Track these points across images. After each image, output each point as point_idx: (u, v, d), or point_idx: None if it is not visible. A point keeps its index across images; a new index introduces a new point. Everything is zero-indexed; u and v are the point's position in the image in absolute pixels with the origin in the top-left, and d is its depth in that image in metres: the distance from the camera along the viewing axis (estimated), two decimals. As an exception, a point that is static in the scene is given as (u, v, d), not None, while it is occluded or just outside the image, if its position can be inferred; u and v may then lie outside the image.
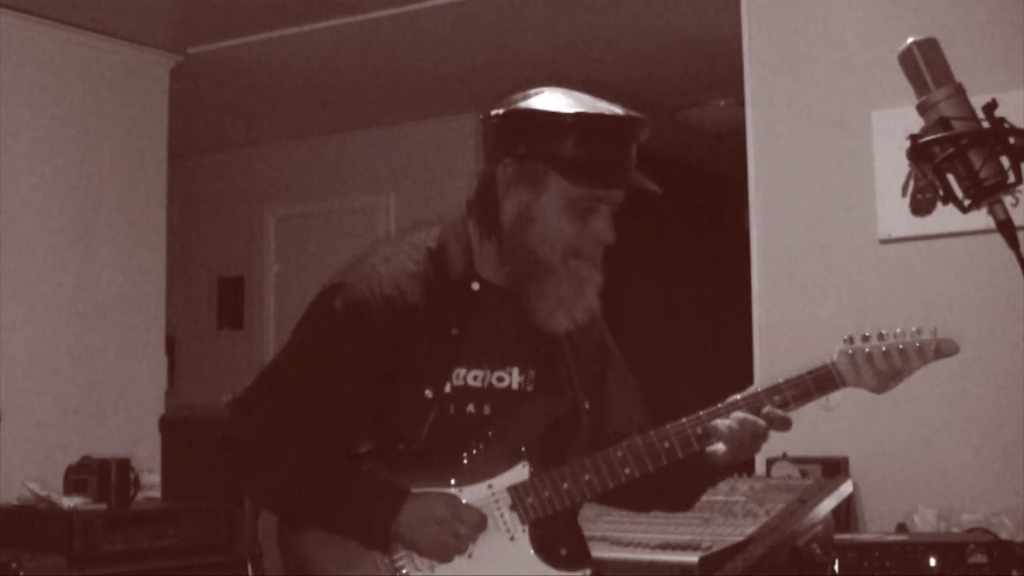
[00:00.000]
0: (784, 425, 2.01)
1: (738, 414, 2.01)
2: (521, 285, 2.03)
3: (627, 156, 2.01)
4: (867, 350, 2.02)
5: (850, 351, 2.03)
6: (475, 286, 2.06)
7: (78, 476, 4.09)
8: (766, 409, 2.01)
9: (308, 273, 6.56)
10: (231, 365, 6.96)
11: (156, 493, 4.34)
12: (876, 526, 3.47)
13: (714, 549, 2.70)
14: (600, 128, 1.99)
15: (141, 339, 5.10)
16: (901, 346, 2.01)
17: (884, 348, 2.01)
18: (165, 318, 5.27)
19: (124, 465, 4.09)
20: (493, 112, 2.05)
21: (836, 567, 2.87)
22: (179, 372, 6.73)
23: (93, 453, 4.20)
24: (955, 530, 3.22)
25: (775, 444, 3.67)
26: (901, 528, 3.33)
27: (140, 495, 4.18)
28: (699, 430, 2.01)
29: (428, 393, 2.01)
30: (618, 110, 2.02)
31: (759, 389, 2.04)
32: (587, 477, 2.01)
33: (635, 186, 2.01)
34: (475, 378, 2.05)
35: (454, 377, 2.03)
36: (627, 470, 2.01)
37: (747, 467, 3.50)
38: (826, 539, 2.91)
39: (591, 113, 1.99)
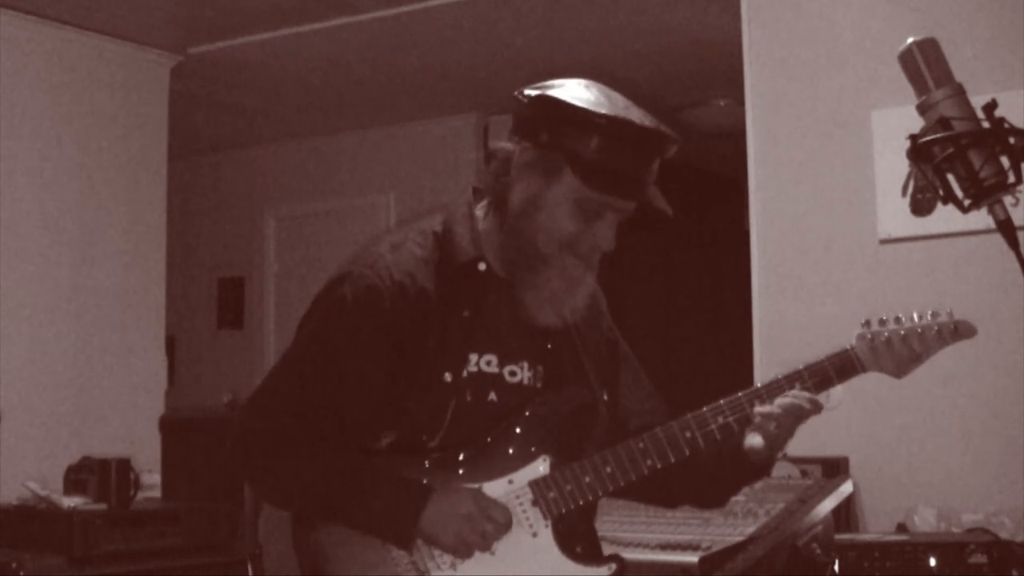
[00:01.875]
0: (815, 407, 2.00)
1: (781, 399, 1.99)
2: (515, 273, 2.02)
3: (647, 170, 1.98)
4: (886, 334, 2.01)
5: (868, 335, 2.02)
6: (481, 266, 2.05)
7: (78, 476, 4.09)
8: (793, 392, 2.00)
9: (308, 273, 6.56)
10: (231, 365, 6.96)
11: (156, 493, 4.34)
12: (876, 526, 3.47)
13: (714, 549, 2.70)
14: (626, 137, 1.95)
15: (141, 339, 5.10)
16: (920, 329, 2.00)
17: (903, 332, 2.00)
18: (165, 318, 5.26)
19: (124, 465, 4.08)
20: (525, 92, 2.02)
21: (836, 567, 2.87)
22: (179, 372, 6.73)
23: (93, 453, 4.19)
24: (955, 530, 3.22)
25: (775, 444, 3.68)
26: (901, 528, 3.32)
27: (140, 495, 4.17)
28: (720, 419, 2.00)
29: (447, 377, 1.99)
30: (648, 122, 1.97)
31: (780, 376, 2.03)
32: (609, 470, 1.99)
33: (647, 203, 1.98)
34: (488, 363, 2.03)
35: (470, 362, 2.01)
36: (649, 462, 1.99)
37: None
38: (826, 539, 2.91)
39: (621, 118, 1.95)
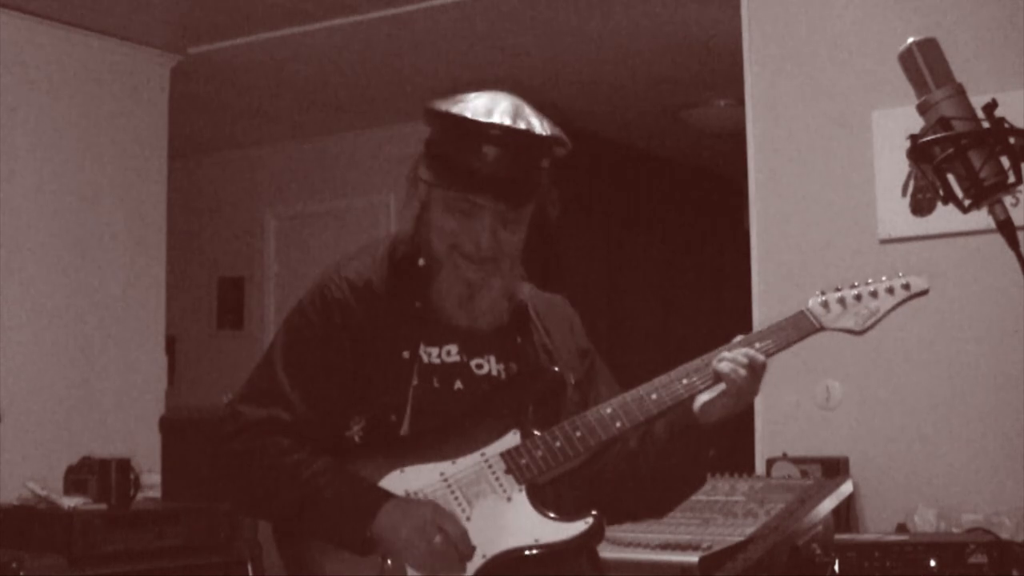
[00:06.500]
0: (755, 364, 2.02)
1: (740, 349, 2.03)
2: (430, 275, 2.09)
3: (486, 164, 2.00)
4: (839, 295, 2.11)
5: (822, 299, 2.11)
6: (421, 262, 2.10)
7: (78, 476, 4.09)
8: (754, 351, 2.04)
9: (308, 273, 6.50)
10: (231, 365, 6.94)
11: (156, 493, 4.34)
12: (876, 526, 3.47)
13: (714, 549, 2.70)
14: (455, 129, 2.02)
15: (141, 339, 5.10)
16: (872, 288, 2.11)
17: (856, 292, 2.11)
18: (165, 318, 5.27)
19: (124, 465, 4.08)
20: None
21: (836, 567, 2.87)
22: (179, 372, 6.72)
23: (93, 453, 4.19)
24: (955, 530, 3.22)
25: (775, 444, 3.68)
26: (901, 528, 3.33)
27: (140, 495, 4.17)
28: (684, 380, 2.04)
29: (405, 354, 2.04)
30: (497, 118, 1.99)
31: (740, 338, 2.07)
32: (579, 434, 2.02)
33: (492, 194, 2.00)
34: (448, 353, 2.07)
35: (431, 352, 2.06)
36: (618, 424, 2.03)
37: (746, 467, 3.50)
38: (826, 539, 2.92)
39: (451, 113, 2.02)
